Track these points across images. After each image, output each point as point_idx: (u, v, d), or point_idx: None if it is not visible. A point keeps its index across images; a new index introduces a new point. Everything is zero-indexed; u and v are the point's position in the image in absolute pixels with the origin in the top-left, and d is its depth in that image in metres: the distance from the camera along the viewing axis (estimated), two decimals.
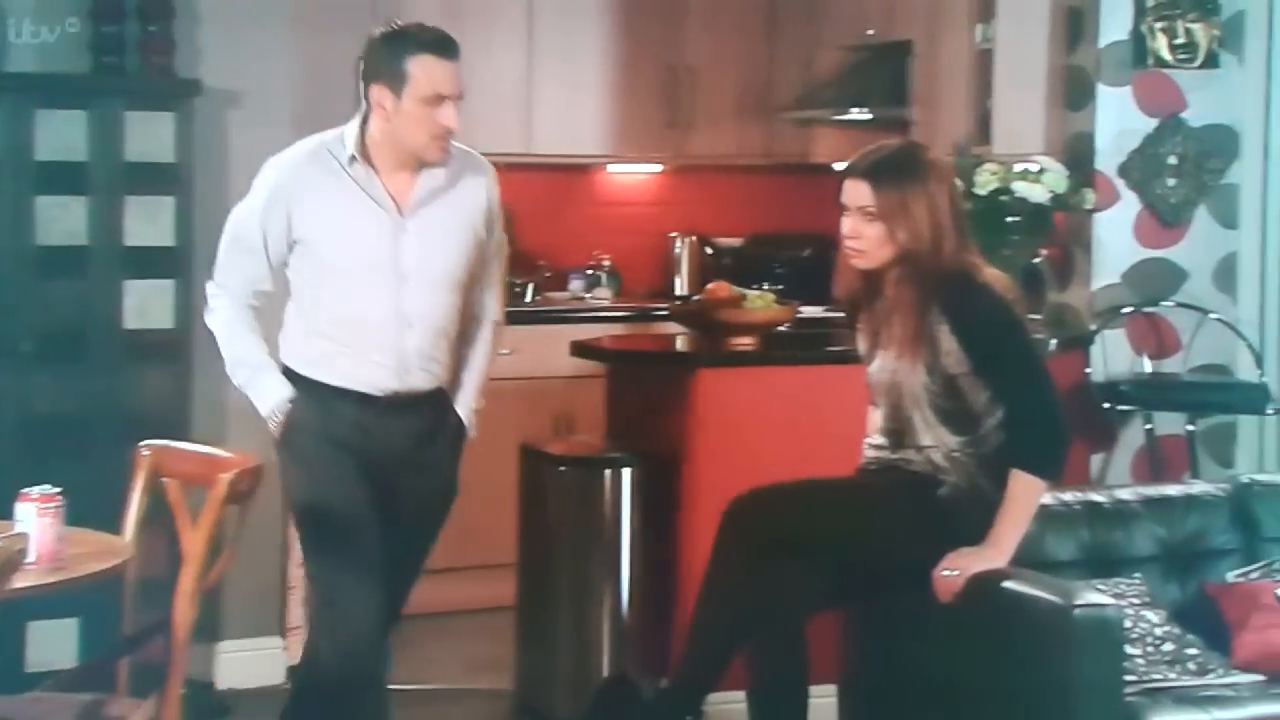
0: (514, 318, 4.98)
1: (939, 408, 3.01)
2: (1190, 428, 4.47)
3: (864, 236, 3.01)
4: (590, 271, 5.42)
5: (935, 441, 3.02)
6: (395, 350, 2.98)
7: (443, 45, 2.96)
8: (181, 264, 3.90)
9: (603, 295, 5.38)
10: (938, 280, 3.00)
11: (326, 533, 2.97)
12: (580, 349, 4.09)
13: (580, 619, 3.74)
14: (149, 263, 3.87)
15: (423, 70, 2.92)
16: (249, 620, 4.07)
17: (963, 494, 3.01)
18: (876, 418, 3.16)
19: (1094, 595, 2.82)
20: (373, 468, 2.99)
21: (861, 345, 3.17)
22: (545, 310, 5.15)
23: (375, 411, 2.98)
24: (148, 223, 3.87)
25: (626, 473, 3.75)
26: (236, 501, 2.74)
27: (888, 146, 3.13)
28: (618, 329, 4.95)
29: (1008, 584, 2.90)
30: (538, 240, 5.36)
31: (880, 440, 3.15)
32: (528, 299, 5.21)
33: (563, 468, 3.80)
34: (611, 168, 5.61)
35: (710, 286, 4.19)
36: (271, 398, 3.00)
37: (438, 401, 3.07)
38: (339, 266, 2.98)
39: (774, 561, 3.01)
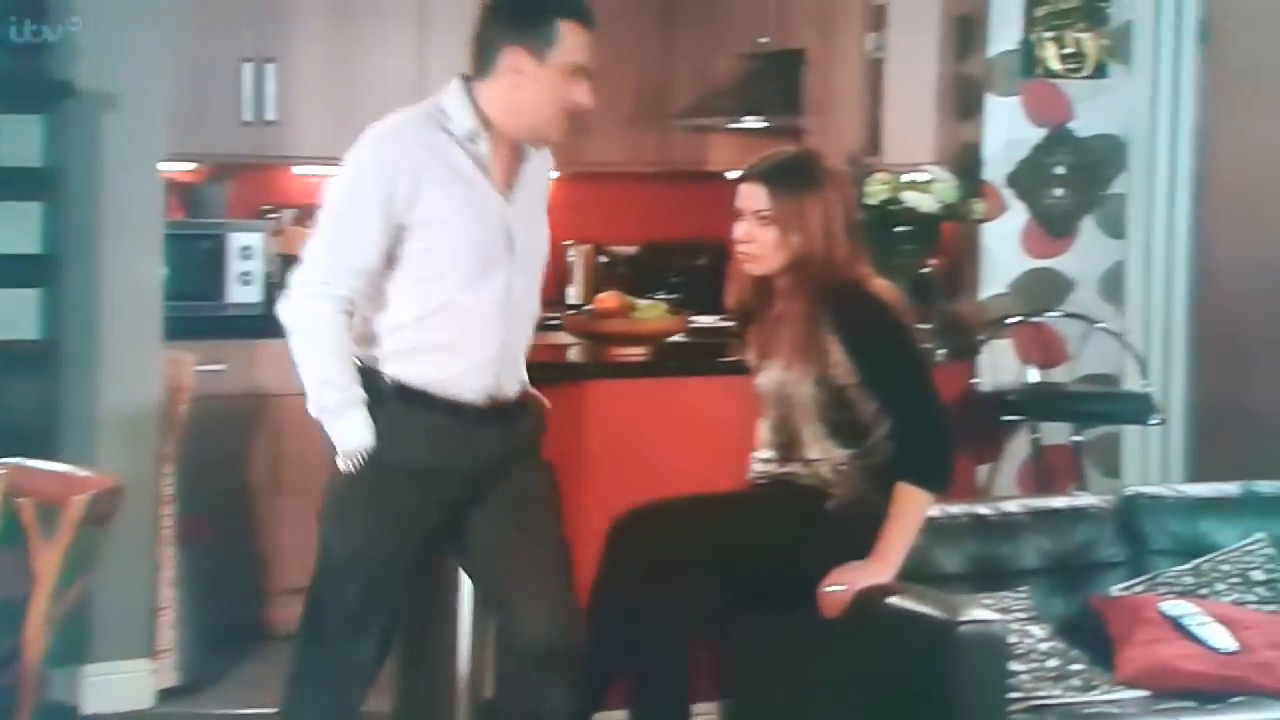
0: None
1: (827, 419, 2.99)
2: (1076, 438, 4.49)
3: (757, 241, 2.99)
4: None
5: (823, 454, 3.00)
6: (499, 348, 2.76)
7: (590, 14, 2.71)
8: (49, 272, 3.77)
9: None
10: (828, 290, 2.98)
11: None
12: None
13: (463, 636, 3.65)
14: (14, 271, 3.73)
15: (572, 36, 2.66)
16: (117, 643, 3.93)
17: (851, 507, 2.99)
18: (765, 430, 3.13)
19: (979, 611, 2.80)
20: (466, 481, 2.76)
21: (750, 355, 3.14)
22: None
23: (470, 422, 2.74)
24: (13, 229, 3.74)
25: None
26: (95, 524, 2.62)
27: (785, 152, 3.12)
28: None
29: (893, 600, 2.88)
30: None
31: (768, 454, 3.12)
32: None
33: None
34: None
35: (600, 297, 4.14)
36: (358, 438, 2.66)
37: (524, 404, 2.87)
38: (458, 255, 2.68)
39: (660, 580, 2.95)
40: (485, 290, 2.71)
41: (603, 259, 5.55)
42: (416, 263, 2.68)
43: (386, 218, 2.65)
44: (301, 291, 2.69)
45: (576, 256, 5.53)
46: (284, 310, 2.71)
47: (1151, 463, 4.57)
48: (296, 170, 5.12)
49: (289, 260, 5.09)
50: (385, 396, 2.69)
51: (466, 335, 2.72)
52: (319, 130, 4.86)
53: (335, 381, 2.66)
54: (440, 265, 2.68)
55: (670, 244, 5.57)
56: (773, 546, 3.01)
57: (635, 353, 3.90)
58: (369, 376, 2.70)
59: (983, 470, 4.52)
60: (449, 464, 2.74)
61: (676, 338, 4.11)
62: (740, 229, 3.01)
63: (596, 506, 3.45)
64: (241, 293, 4.68)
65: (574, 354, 4.14)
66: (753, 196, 2.99)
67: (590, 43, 2.69)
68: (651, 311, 4.01)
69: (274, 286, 4.80)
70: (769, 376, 3.07)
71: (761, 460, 3.14)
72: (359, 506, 2.73)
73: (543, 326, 4.92)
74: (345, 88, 4.91)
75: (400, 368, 2.72)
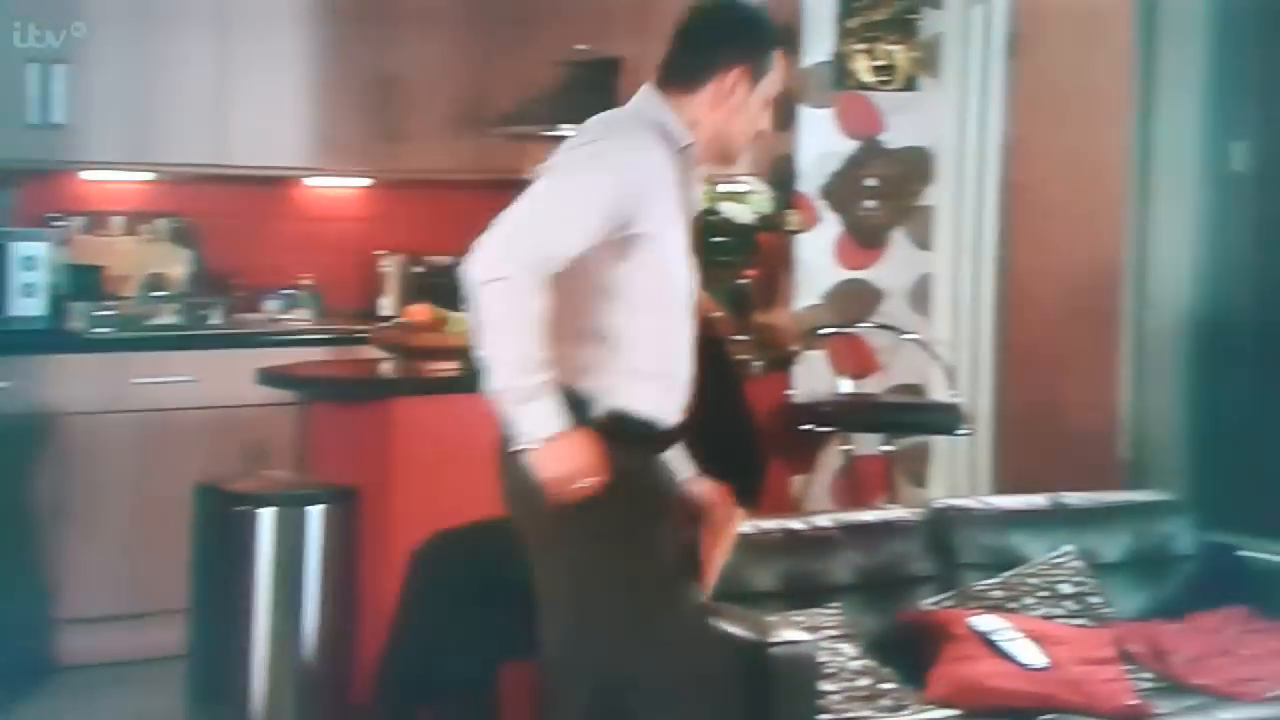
0: (199, 341, 4.79)
1: None
2: (887, 448, 4.52)
3: None
4: (288, 292, 5.14)
5: None
6: (684, 370, 2.58)
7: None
8: None
9: (302, 317, 5.11)
10: None
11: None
12: (268, 376, 3.83)
13: (259, 669, 3.49)
14: None
15: (781, 67, 2.60)
16: None
17: None
18: None
19: (789, 632, 2.77)
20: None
21: None
22: (235, 333, 4.84)
23: (659, 446, 2.57)
24: None
25: (315, 511, 3.52)
26: None
27: None
28: (318, 353, 4.69)
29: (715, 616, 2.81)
30: (231, 258, 5.06)
31: None
32: (216, 321, 4.89)
33: (241, 506, 3.54)
34: (313, 181, 5.34)
35: (410, 309, 4.01)
36: (549, 424, 2.36)
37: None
38: (673, 274, 2.52)
39: (467, 607, 2.84)
40: (685, 312, 2.57)
41: (418, 269, 5.41)
42: (639, 281, 2.49)
43: (612, 218, 2.44)
44: (494, 259, 2.39)
45: (391, 266, 5.38)
46: (478, 274, 2.40)
47: (959, 473, 4.62)
48: (86, 176, 4.87)
49: (79, 271, 4.96)
50: (611, 430, 2.46)
51: (676, 360, 2.57)
52: (112, 135, 4.65)
53: (534, 360, 2.36)
54: (660, 284, 2.51)
55: None
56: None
57: (448, 367, 3.77)
58: (581, 408, 2.46)
59: (797, 481, 4.53)
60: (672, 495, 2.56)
61: None
62: None
63: (404, 530, 3.33)
64: (24, 305, 4.43)
65: (384, 369, 4.02)
66: None
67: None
68: (464, 324, 3.87)
69: (61, 299, 4.58)
70: None
71: None
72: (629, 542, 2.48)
73: (353, 340, 4.93)
74: (141, 92, 4.70)
75: (623, 398, 2.51)
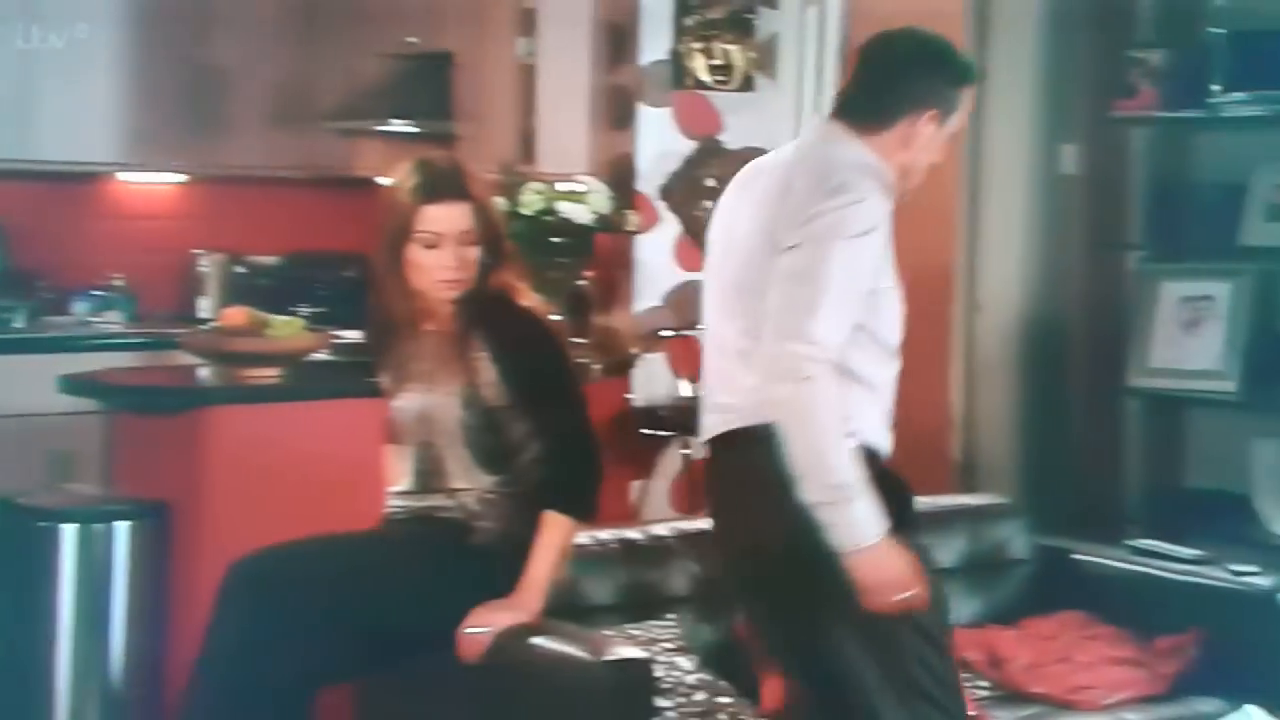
0: (1, 345, 4.51)
1: (476, 444, 2.79)
2: None
3: (466, 263, 2.77)
4: (98, 293, 4.87)
5: (470, 483, 2.80)
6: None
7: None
8: None
9: (113, 320, 4.84)
10: (479, 304, 2.78)
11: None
12: (72, 384, 3.59)
13: (62, 693, 3.26)
14: None
15: (966, 102, 2.49)
16: None
17: (499, 540, 2.80)
18: (401, 461, 2.89)
19: (623, 649, 2.66)
20: None
21: (387, 377, 2.90)
22: (39, 337, 4.56)
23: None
24: None
25: (122, 527, 3.31)
26: None
27: (445, 159, 2.90)
28: (129, 359, 4.44)
29: (535, 640, 2.70)
30: (37, 257, 4.80)
31: (406, 486, 2.89)
32: (19, 324, 4.60)
33: (43, 522, 3.31)
34: (126, 176, 5.08)
35: (226, 312, 3.81)
36: (876, 524, 2.27)
37: None
38: (899, 316, 2.46)
39: (280, 631, 2.68)
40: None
41: (240, 270, 5.18)
42: (883, 329, 2.43)
43: (877, 276, 2.37)
44: (802, 353, 2.28)
45: (210, 267, 5.15)
46: (785, 383, 2.28)
47: None
48: None
49: None
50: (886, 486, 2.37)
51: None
52: None
53: (847, 458, 2.27)
54: (894, 332, 2.45)
55: (316, 254, 5.26)
56: (413, 589, 2.77)
57: (267, 374, 3.59)
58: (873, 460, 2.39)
59: (636, 487, 4.44)
60: None
61: (318, 356, 3.81)
62: (442, 255, 2.75)
63: (219, 547, 3.12)
64: None
65: (198, 376, 3.80)
66: (454, 216, 2.76)
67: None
68: (286, 328, 3.70)
69: None
70: (411, 400, 2.84)
71: (399, 494, 2.91)
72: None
73: (168, 344, 4.68)
74: None
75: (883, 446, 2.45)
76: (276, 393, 3.54)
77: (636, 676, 2.60)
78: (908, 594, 2.29)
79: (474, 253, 2.79)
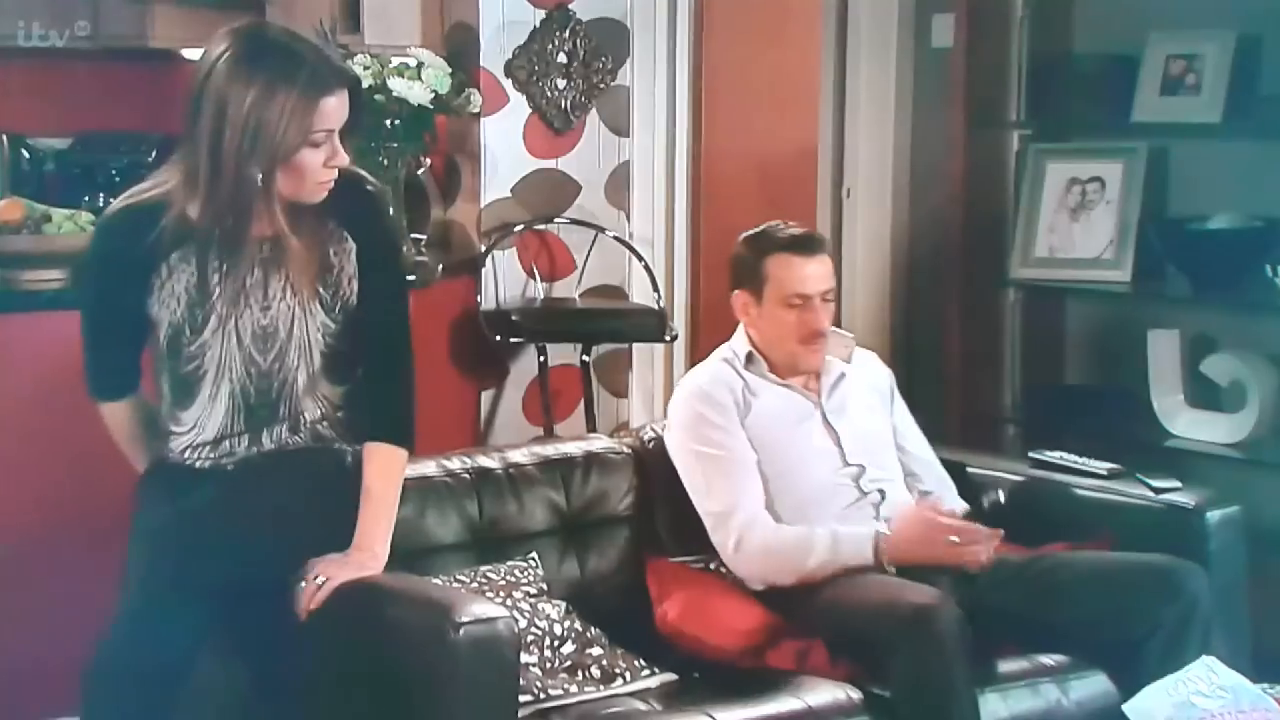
0: None
1: (330, 354, 2.35)
2: (585, 358, 4.13)
3: (341, 154, 2.29)
4: None
5: (319, 404, 2.37)
6: None
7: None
8: None
9: None
10: (342, 190, 2.33)
11: None
12: None
13: None
14: None
15: None
16: None
17: (355, 463, 2.38)
18: (204, 406, 2.36)
19: (481, 606, 2.28)
20: None
21: (197, 302, 2.33)
22: None
23: None
24: None
25: None
26: None
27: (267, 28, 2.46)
28: None
29: (378, 596, 2.32)
30: None
31: (220, 431, 2.39)
32: None
33: None
34: None
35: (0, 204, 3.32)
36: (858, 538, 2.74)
37: None
38: None
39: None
40: None
41: (25, 154, 4.59)
42: None
43: None
44: (743, 541, 2.73)
45: None
46: (745, 566, 2.73)
47: (657, 382, 4.30)
48: None
49: None
50: None
51: None
52: None
53: (833, 540, 2.72)
54: None
55: (110, 135, 4.69)
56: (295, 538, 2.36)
57: (49, 278, 3.16)
58: None
59: (486, 398, 4.09)
60: None
61: None
62: (328, 152, 2.28)
63: None
64: None
65: None
66: (343, 107, 2.29)
67: None
68: (70, 224, 3.26)
69: None
70: (244, 323, 2.32)
71: (210, 444, 2.40)
72: None
73: None
74: None
75: None
76: (57, 299, 3.09)
77: (498, 637, 2.23)
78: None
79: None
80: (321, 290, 2.33)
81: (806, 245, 2.86)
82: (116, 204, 2.38)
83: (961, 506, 2.89)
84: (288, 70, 2.23)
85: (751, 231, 2.91)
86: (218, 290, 2.30)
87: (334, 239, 2.33)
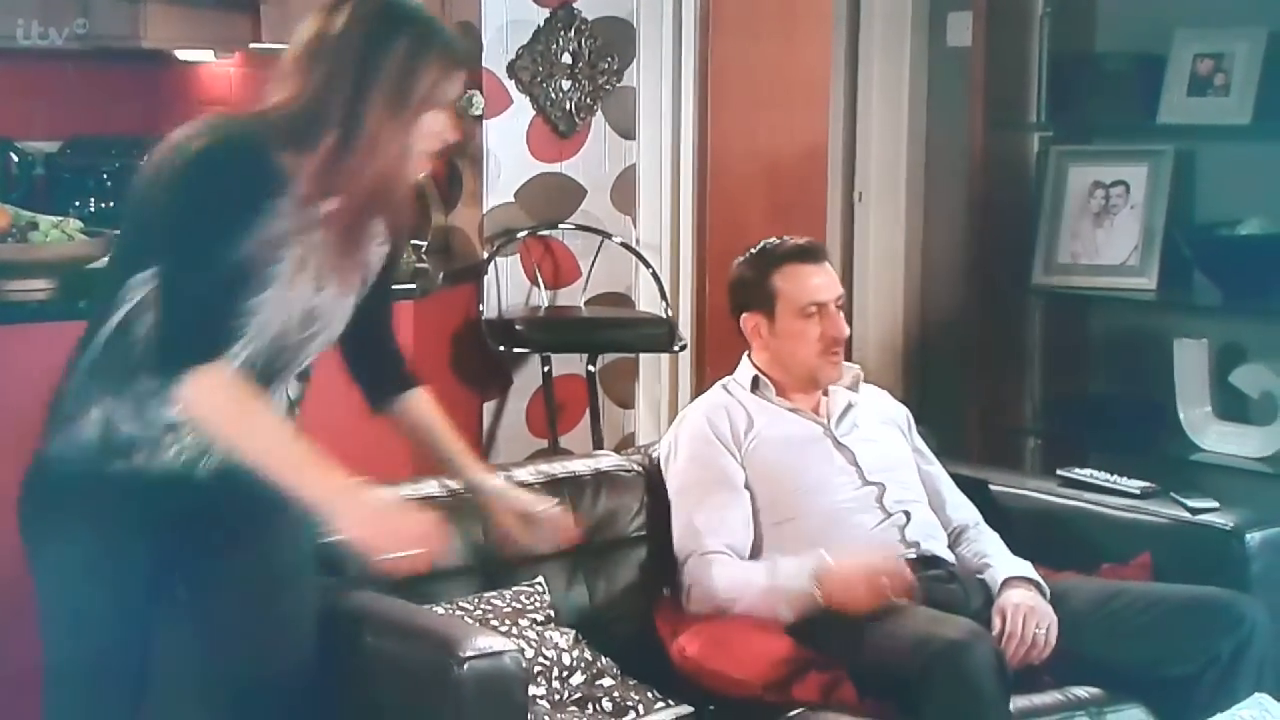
0: None
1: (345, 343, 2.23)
2: (591, 368, 4.05)
3: (457, 131, 2.16)
4: None
5: (301, 385, 2.21)
6: None
7: None
8: None
9: None
10: None
11: None
12: None
13: None
14: None
15: None
16: None
17: None
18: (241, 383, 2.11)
19: (486, 639, 2.16)
20: None
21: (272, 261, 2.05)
22: None
23: None
24: None
25: None
26: None
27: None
28: None
29: (372, 628, 2.21)
30: None
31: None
32: None
33: None
34: None
35: None
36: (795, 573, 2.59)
37: None
38: None
39: None
40: None
41: (14, 158, 4.52)
42: None
43: None
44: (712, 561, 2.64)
45: None
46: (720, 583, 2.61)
47: (663, 392, 4.23)
48: None
49: None
50: None
51: None
52: None
53: (773, 564, 2.62)
54: None
55: (100, 139, 4.62)
56: None
57: (35, 288, 3.05)
58: None
59: (488, 409, 3.99)
60: None
61: (99, 265, 3.22)
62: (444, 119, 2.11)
63: None
64: None
65: None
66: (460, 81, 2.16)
67: None
68: (57, 233, 3.14)
69: None
70: (307, 295, 2.08)
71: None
72: None
73: None
74: None
75: None
76: (43, 310, 2.99)
77: (505, 673, 2.11)
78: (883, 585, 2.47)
79: None
80: (358, 284, 2.17)
81: (812, 254, 2.79)
82: (216, 134, 2.03)
83: (992, 536, 2.77)
84: (435, 28, 2.09)
85: (749, 252, 2.80)
86: (296, 255, 2.06)
87: (378, 235, 2.16)
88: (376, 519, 1.99)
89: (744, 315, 2.78)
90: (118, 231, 3.12)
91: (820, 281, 2.75)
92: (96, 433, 2.10)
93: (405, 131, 2.06)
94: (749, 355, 2.81)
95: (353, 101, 2.02)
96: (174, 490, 2.09)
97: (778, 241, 2.80)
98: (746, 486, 2.67)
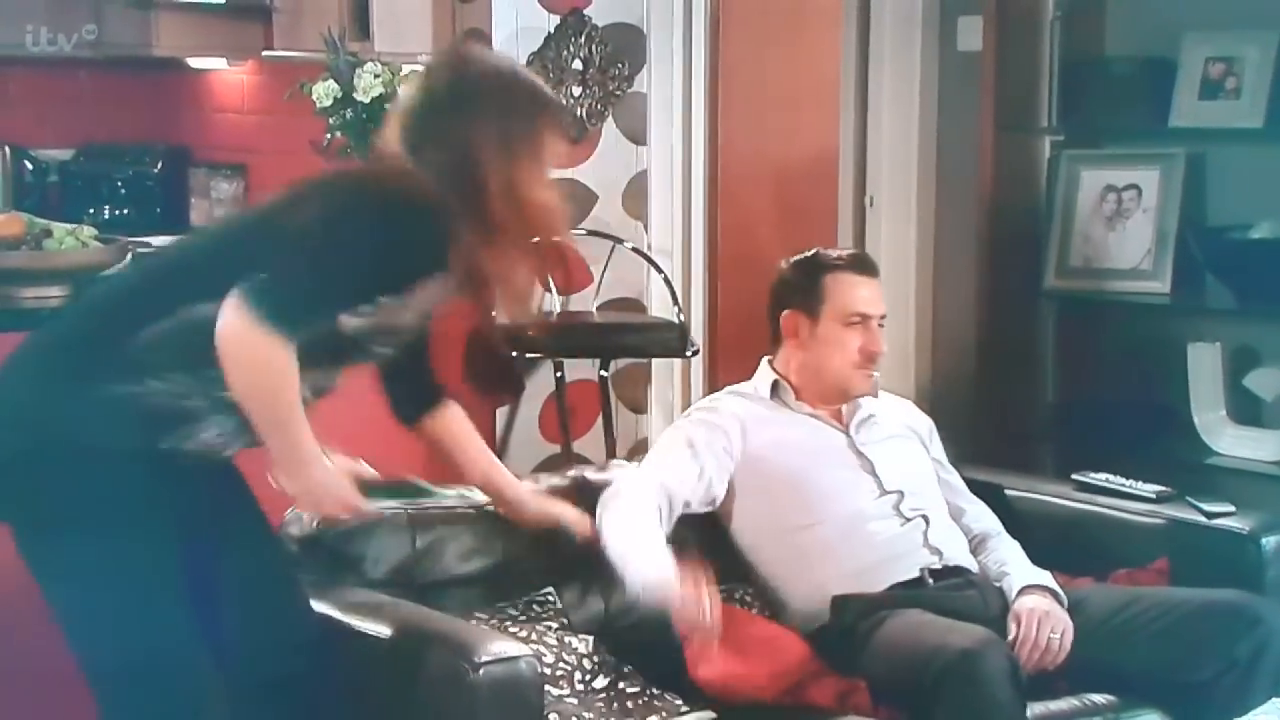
0: None
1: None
2: (603, 373, 4.03)
3: None
4: None
5: None
6: None
7: None
8: None
9: None
10: None
11: None
12: None
13: None
14: None
15: None
16: None
17: None
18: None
19: (501, 644, 2.16)
20: None
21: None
22: None
23: None
24: None
25: None
26: None
27: None
28: None
29: (386, 629, 2.21)
30: None
31: None
32: None
33: None
34: None
35: None
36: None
37: None
38: None
39: None
40: None
41: (28, 165, 4.53)
42: None
43: None
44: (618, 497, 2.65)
45: None
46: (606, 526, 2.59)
47: (675, 396, 4.22)
48: None
49: None
50: None
51: None
52: None
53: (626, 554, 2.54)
54: None
55: (113, 146, 4.63)
56: None
57: (49, 295, 3.07)
58: None
59: (500, 415, 3.99)
60: None
61: (113, 271, 3.23)
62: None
63: None
64: None
65: None
66: None
67: None
68: (71, 240, 3.16)
69: None
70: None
71: None
72: None
73: None
74: None
75: None
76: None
77: (521, 678, 2.11)
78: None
79: None
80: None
81: (866, 265, 2.83)
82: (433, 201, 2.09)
83: (1012, 545, 2.76)
84: (544, 95, 2.22)
85: (801, 255, 2.82)
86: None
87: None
88: (314, 483, 2.07)
89: (785, 312, 2.77)
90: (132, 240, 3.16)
91: (868, 294, 2.76)
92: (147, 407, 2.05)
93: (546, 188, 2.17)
94: (769, 361, 2.81)
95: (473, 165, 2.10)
96: (203, 471, 2.11)
97: (829, 250, 2.83)
98: (734, 486, 2.68)
